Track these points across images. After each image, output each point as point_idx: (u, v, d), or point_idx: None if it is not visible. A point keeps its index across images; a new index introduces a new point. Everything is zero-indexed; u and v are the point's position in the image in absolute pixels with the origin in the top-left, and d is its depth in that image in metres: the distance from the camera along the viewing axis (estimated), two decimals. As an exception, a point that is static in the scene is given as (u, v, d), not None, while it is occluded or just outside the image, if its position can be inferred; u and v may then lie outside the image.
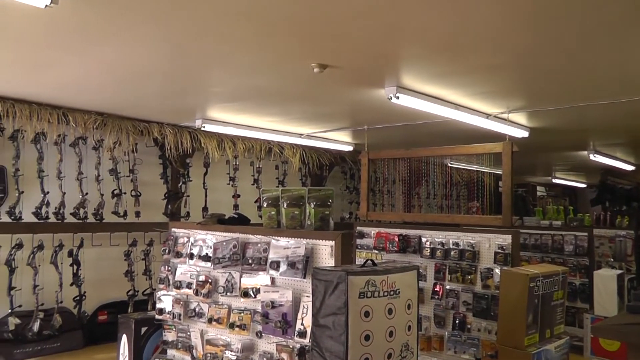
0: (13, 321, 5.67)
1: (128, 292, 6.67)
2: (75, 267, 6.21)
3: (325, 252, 3.37)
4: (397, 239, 5.26)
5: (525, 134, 6.80)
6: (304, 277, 3.38)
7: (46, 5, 2.91)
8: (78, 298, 6.25)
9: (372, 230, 5.47)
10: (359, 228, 5.60)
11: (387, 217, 6.33)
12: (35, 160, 6.03)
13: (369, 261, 3.05)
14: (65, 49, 3.99)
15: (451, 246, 4.99)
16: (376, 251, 5.36)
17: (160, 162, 7.24)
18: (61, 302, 6.05)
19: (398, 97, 4.84)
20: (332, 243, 3.34)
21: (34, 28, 3.58)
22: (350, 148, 8.63)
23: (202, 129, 6.76)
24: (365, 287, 2.78)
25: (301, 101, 5.66)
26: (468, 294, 4.84)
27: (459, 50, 3.88)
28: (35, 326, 5.80)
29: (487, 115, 6.01)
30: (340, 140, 8.29)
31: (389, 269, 2.95)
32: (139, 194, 6.85)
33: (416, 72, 4.45)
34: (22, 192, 5.96)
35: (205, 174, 7.59)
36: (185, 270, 4.35)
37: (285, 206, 3.67)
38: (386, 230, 5.38)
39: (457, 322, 4.86)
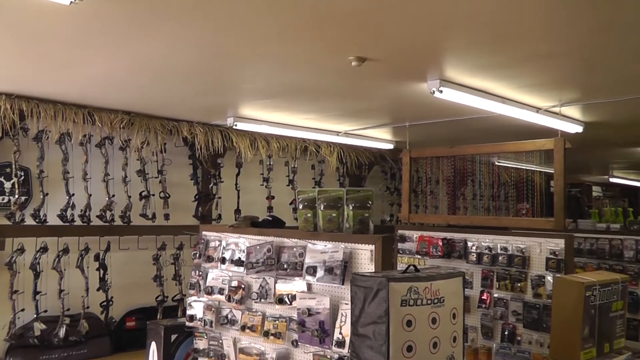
0: (39, 326, 5.74)
1: (157, 297, 6.72)
2: (101, 271, 6.28)
3: (365, 257, 3.37)
4: (441, 243, 5.23)
5: (579, 129, 6.69)
6: (342, 284, 3.38)
7: (71, 2, 2.95)
8: (105, 303, 6.32)
9: (415, 234, 5.44)
10: (400, 231, 5.58)
11: (431, 220, 6.32)
12: (60, 162, 6.11)
13: (411, 267, 3.04)
14: (91, 46, 4.03)
15: (499, 251, 4.94)
16: (419, 256, 5.33)
17: (190, 163, 7.27)
18: (87, 307, 6.13)
19: (441, 91, 4.80)
20: (372, 247, 3.33)
21: (59, 26, 3.62)
22: (390, 146, 8.60)
23: (234, 127, 6.78)
24: (408, 294, 2.77)
25: (338, 97, 5.66)
26: (518, 303, 4.77)
27: (508, 38, 3.82)
28: (62, 332, 5.86)
29: (538, 110, 5.92)
30: (380, 138, 8.27)
31: (432, 276, 2.94)
32: (168, 195, 6.89)
33: (461, 63, 4.40)
34: (47, 194, 6.04)
35: (238, 174, 7.63)
36: (217, 275, 4.38)
37: (322, 208, 3.67)
38: (429, 234, 5.35)
39: (506, 333, 4.80)
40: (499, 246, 4.95)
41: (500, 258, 4.90)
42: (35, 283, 5.81)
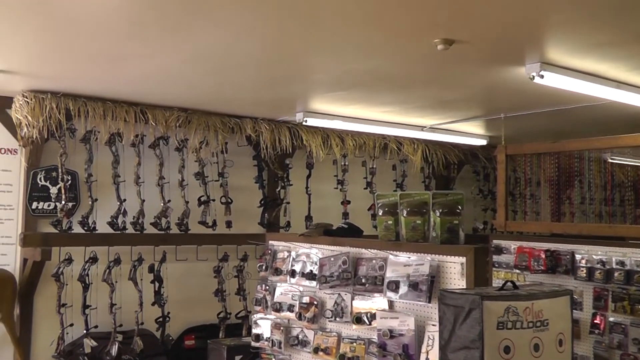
0: (89, 343, 5.86)
1: (219, 314, 6.76)
2: (157, 284, 6.37)
3: (455, 271, 3.39)
4: (543, 256, 5.16)
5: None
6: (429, 301, 3.40)
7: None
8: (161, 319, 6.41)
9: (512, 244, 5.39)
10: (495, 241, 5.55)
11: (531, 228, 6.25)
12: (110, 165, 6.24)
13: (509, 283, 3.02)
14: (143, 38, 4.13)
15: (614, 266, 4.82)
16: (517, 271, 5.27)
17: (254, 164, 7.33)
18: (142, 323, 6.21)
19: (542, 76, 4.71)
20: (463, 260, 3.34)
21: (108, 18, 3.73)
22: (483, 142, 8.51)
23: (304, 123, 6.82)
24: (505, 315, 2.75)
25: (422, 86, 5.65)
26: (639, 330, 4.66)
27: (622, 11, 3.67)
28: (114, 350, 5.96)
29: (661, 96, 5.73)
30: (471, 133, 8.20)
31: (534, 294, 2.91)
32: (230, 200, 6.94)
33: (566, 42, 4.28)
34: (96, 199, 6.17)
35: (309, 176, 7.66)
36: (285, 290, 4.45)
37: (404, 214, 3.71)
38: (530, 245, 5.29)
39: (625, 365, 4.70)
40: (614, 260, 4.84)
41: (615, 274, 4.78)
42: (84, 296, 5.93)
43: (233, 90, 5.78)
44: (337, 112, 6.79)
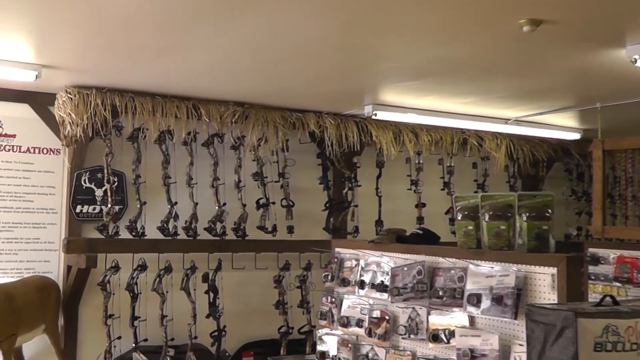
0: (138, 358, 5.94)
1: (280, 328, 6.79)
2: (211, 294, 6.38)
3: (544, 283, 3.36)
4: None
5: None
6: (515, 318, 3.37)
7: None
8: (216, 334, 6.41)
9: (612, 254, 5.18)
10: (591, 250, 5.34)
11: (633, 235, 6.14)
12: (159, 165, 6.30)
13: (608, 298, 2.96)
14: (194, 28, 4.19)
15: None
16: (618, 284, 5.07)
17: (318, 163, 7.36)
18: (195, 337, 6.25)
19: (647, 59, 4.63)
20: (554, 270, 3.31)
21: (155, 6, 3.79)
22: (576, 136, 8.38)
23: (374, 117, 6.80)
24: (604, 335, 2.68)
25: (506, 74, 5.60)
26: None
27: None
28: (165, 365, 6.10)
29: None
30: (562, 126, 8.08)
31: (638, 311, 2.83)
32: (291, 204, 6.96)
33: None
34: (145, 202, 6.25)
35: (379, 176, 7.61)
36: (354, 302, 4.46)
37: (487, 218, 3.70)
38: (632, 254, 5.09)
39: None
40: None
41: None
42: (132, 307, 6.02)
43: (294, 82, 5.80)
44: (410, 104, 6.73)
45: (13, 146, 6.08)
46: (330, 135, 7.11)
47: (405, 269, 4.04)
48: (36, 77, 5.27)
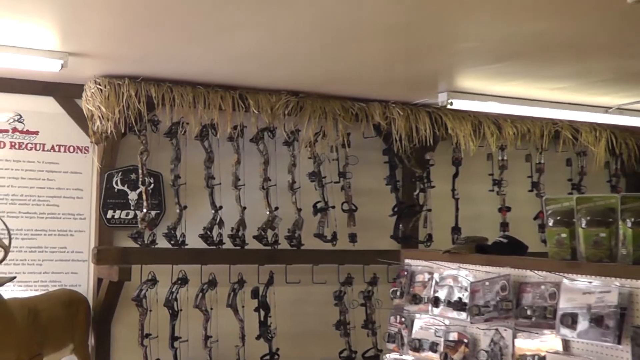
0: (178, 382, 6.03)
1: (341, 352, 6.75)
2: (262, 312, 6.34)
3: None
4: None
5: None
6: (619, 342, 3.33)
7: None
8: (268, 357, 6.37)
9: None
10: None
11: None
12: (201, 164, 6.25)
13: None
14: (243, 5, 4.17)
15: None
16: None
17: (385, 160, 7.26)
18: (244, 361, 6.31)
19: None
20: None
21: None
22: None
23: (449, 107, 6.68)
24: None
25: (607, 53, 5.44)
26: None
27: None
28: (209, 392, 6.13)
29: None
30: None
31: None
32: (354, 208, 6.87)
33: None
34: (185, 207, 6.18)
35: (455, 175, 7.50)
36: (427, 323, 4.51)
37: (583, 225, 3.66)
38: None
39: None
40: None
41: None
42: (172, 325, 5.99)
43: (357, 67, 5.75)
44: (492, 91, 6.62)
45: (36, 144, 6.07)
46: (399, 128, 6.95)
47: (487, 284, 4.05)
48: (61, 67, 5.22)
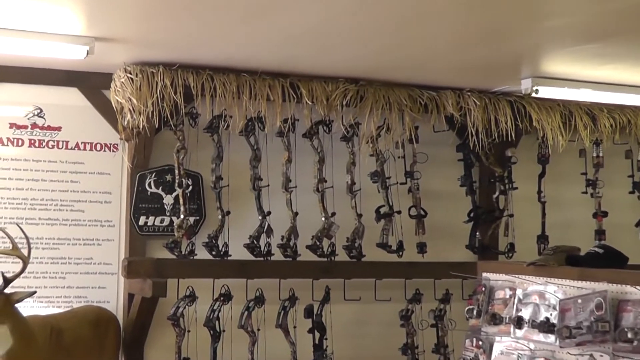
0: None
1: None
2: (317, 334, 6.34)
3: None
4: None
5: None
6: None
7: None
8: (325, 385, 6.44)
9: None
10: None
11: None
12: (247, 163, 6.28)
13: None
14: None
15: None
16: None
17: (459, 158, 7.24)
18: (297, 389, 6.31)
19: None
20: None
21: None
22: None
23: (534, 95, 6.61)
24: None
25: None
26: None
27: None
28: None
29: None
30: None
31: None
32: (423, 213, 6.86)
33: None
34: (228, 212, 6.21)
35: (542, 175, 7.49)
36: (508, 347, 4.52)
37: None
38: None
39: None
40: None
41: None
42: (213, 348, 6.00)
43: (426, 50, 5.73)
44: (584, 76, 6.53)
45: (58, 142, 6.11)
46: (475, 121, 6.87)
47: (580, 301, 4.01)
48: (87, 54, 5.24)
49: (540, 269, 4.40)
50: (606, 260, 4.38)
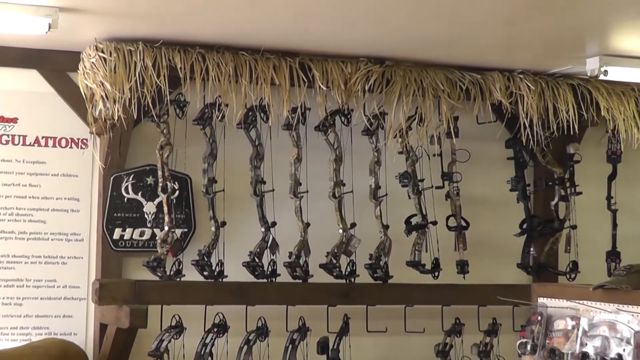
0: None
1: None
2: None
3: None
4: None
5: None
6: None
7: None
8: None
9: None
10: None
11: None
12: (247, 162, 6.27)
13: None
14: None
15: None
16: None
17: (509, 156, 7.25)
18: None
19: None
20: None
21: None
22: None
23: (602, 77, 6.59)
24: None
25: None
26: None
27: None
28: None
29: None
30: None
31: None
32: (464, 224, 6.89)
33: None
34: (224, 223, 6.21)
35: (612, 177, 7.52)
36: None
37: None
38: None
39: None
40: None
41: None
42: None
43: (469, 23, 5.73)
44: None
45: (13, 136, 6.09)
46: (529, 109, 6.86)
47: None
48: (49, 28, 5.16)
49: (610, 293, 4.40)
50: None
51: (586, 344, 4.36)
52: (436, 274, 6.62)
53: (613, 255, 7.31)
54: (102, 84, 5.76)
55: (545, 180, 7.30)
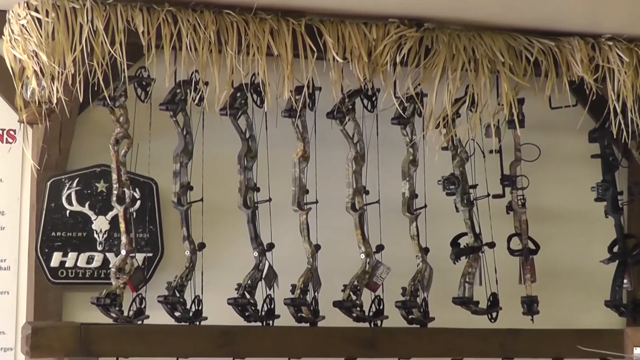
0: None
1: None
2: None
3: None
4: None
5: None
6: None
7: None
8: None
9: None
10: None
11: None
12: (234, 161, 6.30)
13: None
14: None
15: None
16: None
17: (594, 154, 7.37)
18: None
19: None
20: None
21: None
22: None
23: None
24: None
25: None
26: None
27: None
28: None
29: None
30: None
31: None
32: (533, 247, 6.94)
33: None
34: (202, 245, 6.18)
35: None
36: None
37: None
38: None
39: None
40: None
41: None
42: None
43: None
44: None
45: None
46: (621, 89, 6.88)
47: None
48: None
49: None
50: None
51: (693, 405, 4.29)
52: (494, 314, 6.65)
53: None
54: (36, 54, 5.60)
55: (646, 176, 6.97)
